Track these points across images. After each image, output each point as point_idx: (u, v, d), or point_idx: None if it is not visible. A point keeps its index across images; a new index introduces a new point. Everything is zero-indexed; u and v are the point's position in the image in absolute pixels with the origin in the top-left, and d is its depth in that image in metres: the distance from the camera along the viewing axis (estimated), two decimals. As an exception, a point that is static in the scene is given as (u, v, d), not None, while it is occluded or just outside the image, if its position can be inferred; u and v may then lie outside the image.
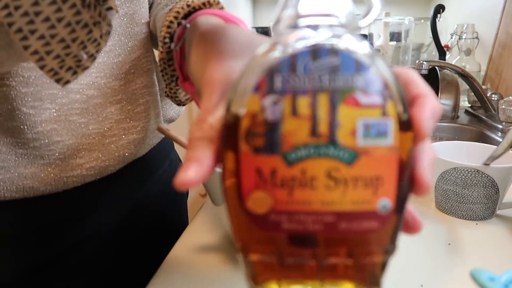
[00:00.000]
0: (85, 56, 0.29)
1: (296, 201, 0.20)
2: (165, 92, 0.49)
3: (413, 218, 0.23)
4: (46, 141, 0.45)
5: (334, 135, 0.20)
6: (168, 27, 0.40)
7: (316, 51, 0.20)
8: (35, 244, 0.48)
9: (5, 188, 0.44)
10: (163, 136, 0.60)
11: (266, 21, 2.50)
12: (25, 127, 0.43)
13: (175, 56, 0.40)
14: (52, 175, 0.46)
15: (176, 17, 0.40)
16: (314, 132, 0.20)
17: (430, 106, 0.21)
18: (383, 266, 0.22)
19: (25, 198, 0.45)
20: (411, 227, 0.23)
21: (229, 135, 0.21)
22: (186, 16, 0.40)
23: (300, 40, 0.20)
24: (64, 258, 0.50)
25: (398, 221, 0.21)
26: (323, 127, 0.20)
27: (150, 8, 0.56)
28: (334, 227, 0.20)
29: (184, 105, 0.47)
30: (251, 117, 0.20)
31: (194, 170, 0.22)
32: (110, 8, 0.29)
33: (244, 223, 0.21)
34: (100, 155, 0.49)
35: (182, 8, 0.40)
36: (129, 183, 0.56)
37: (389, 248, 0.22)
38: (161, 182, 0.64)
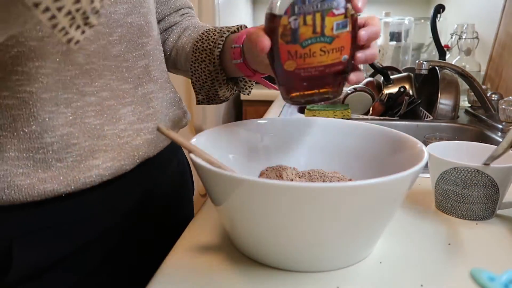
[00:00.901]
0: (92, 12, 0.29)
1: (307, 63, 0.43)
2: (198, 100, 0.65)
3: (357, 67, 0.46)
4: (64, 144, 0.46)
5: (323, 31, 0.42)
6: (218, 48, 0.59)
7: None
8: (52, 242, 0.49)
9: (27, 193, 0.45)
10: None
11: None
12: (44, 131, 0.45)
13: (239, 66, 0.56)
14: (70, 176, 0.47)
15: (222, 41, 0.59)
16: (314, 31, 0.42)
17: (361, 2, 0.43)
18: (343, 83, 0.46)
19: (46, 199, 0.47)
20: (357, 68, 0.46)
21: (272, 33, 0.43)
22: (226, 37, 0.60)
23: None
24: (77, 255, 0.51)
25: (351, 62, 0.45)
26: (318, 28, 0.42)
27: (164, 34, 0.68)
28: (324, 71, 0.44)
29: (224, 101, 0.65)
30: (283, 26, 0.42)
31: (267, 40, 0.42)
32: None
33: (283, 76, 0.45)
34: (116, 155, 0.51)
35: (225, 32, 0.59)
36: (142, 181, 0.58)
37: (347, 74, 0.45)
38: (171, 180, 0.66)
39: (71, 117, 0.47)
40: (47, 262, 0.48)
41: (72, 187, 0.48)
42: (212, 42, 0.59)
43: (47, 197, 0.46)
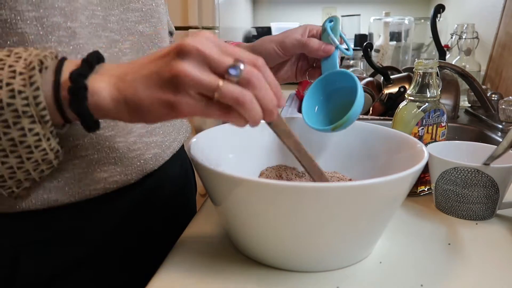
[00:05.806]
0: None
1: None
2: None
3: None
4: (71, 156, 0.46)
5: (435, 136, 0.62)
6: None
7: None
8: (56, 250, 0.48)
9: (31, 201, 0.45)
10: (177, 149, 0.62)
11: (266, 21, 2.50)
12: None
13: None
14: (76, 188, 0.47)
15: None
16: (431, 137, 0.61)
17: None
18: None
19: (49, 208, 0.46)
20: None
21: None
22: None
23: None
24: (83, 264, 0.50)
25: None
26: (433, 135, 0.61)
27: None
28: None
29: None
30: (413, 133, 0.59)
31: None
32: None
33: None
34: (124, 169, 0.50)
35: None
36: (146, 189, 0.57)
37: None
38: (174, 183, 0.65)
39: (81, 129, 0.46)
40: (53, 271, 0.48)
41: (76, 198, 0.47)
42: None
43: (50, 206, 0.46)
